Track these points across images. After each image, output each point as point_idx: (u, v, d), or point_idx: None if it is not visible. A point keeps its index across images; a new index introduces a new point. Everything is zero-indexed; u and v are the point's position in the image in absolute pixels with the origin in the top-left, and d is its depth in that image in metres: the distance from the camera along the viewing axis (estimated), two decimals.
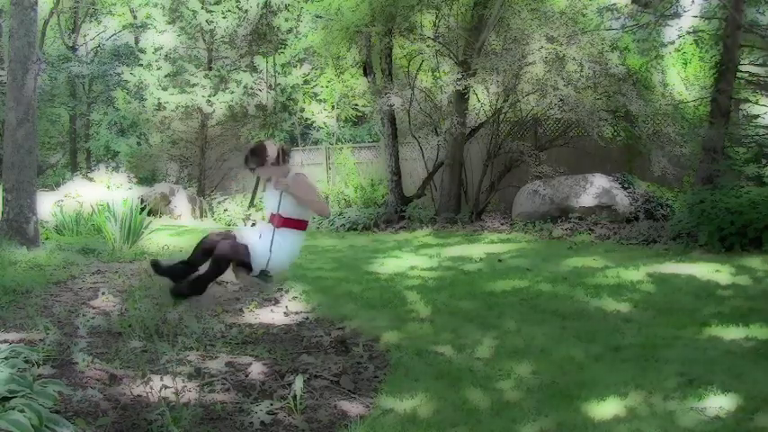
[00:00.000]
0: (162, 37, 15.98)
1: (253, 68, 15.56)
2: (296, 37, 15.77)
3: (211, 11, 15.29)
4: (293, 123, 16.24)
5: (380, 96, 12.52)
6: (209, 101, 15.30)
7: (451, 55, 12.16)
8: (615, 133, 11.80)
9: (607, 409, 3.64)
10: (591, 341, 4.82)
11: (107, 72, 19.74)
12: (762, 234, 8.30)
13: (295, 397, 3.66)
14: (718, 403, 3.61)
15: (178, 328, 5.04)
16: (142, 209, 9.33)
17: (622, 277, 7.04)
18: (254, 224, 4.64)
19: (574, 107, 10.65)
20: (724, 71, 9.83)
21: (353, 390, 3.99)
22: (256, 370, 4.26)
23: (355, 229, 12.67)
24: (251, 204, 15.38)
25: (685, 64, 13.10)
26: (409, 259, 8.79)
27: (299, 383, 3.73)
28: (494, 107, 12.04)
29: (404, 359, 4.52)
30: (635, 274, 7.21)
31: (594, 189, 11.39)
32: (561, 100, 10.69)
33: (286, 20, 15.50)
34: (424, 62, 12.97)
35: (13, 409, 2.87)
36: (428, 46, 12.13)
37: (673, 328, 5.10)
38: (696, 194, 9.23)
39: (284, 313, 5.79)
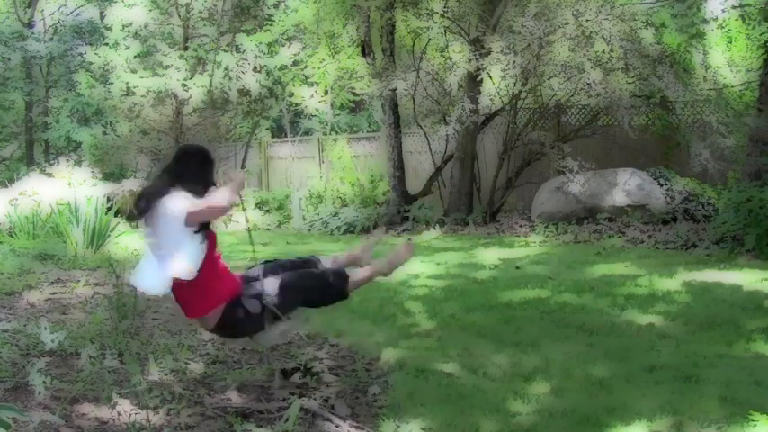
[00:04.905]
0: (131, 12, 15.97)
1: (235, 48, 15.57)
2: (284, 12, 15.79)
3: None
4: (281, 111, 16.26)
5: (381, 79, 12.53)
6: (185, 85, 15.30)
7: (462, 32, 12.17)
8: (649, 122, 11.79)
9: None
10: (622, 360, 4.82)
11: (68, 52, 19.74)
12: None
13: (287, 422, 3.67)
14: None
15: (149, 344, 5.05)
16: (108, 209, 9.35)
17: (658, 287, 7.04)
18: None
19: (602, 92, 10.65)
20: None
21: (350, 415, 4.00)
22: (239, 392, 4.26)
23: (352, 232, 12.68)
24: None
25: (730, 43, 13.09)
26: (413, 265, 8.77)
27: (294, 409, 3.74)
28: (511, 92, 12.05)
29: (407, 380, 4.52)
30: (672, 283, 7.21)
31: (626, 186, 11.39)
32: (588, 84, 10.69)
33: None
34: (431, 41, 12.97)
35: None
36: (436, 22, 12.14)
37: (715, 345, 5.10)
38: (742, 192, 9.22)
39: None
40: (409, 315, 6.19)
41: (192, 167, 3.92)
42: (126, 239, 9.85)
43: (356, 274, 4.23)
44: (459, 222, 12.39)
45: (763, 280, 7.19)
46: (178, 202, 3.72)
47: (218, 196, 3.81)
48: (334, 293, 4.13)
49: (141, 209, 3.82)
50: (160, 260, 3.81)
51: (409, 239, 4.29)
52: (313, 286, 4.10)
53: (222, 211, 3.87)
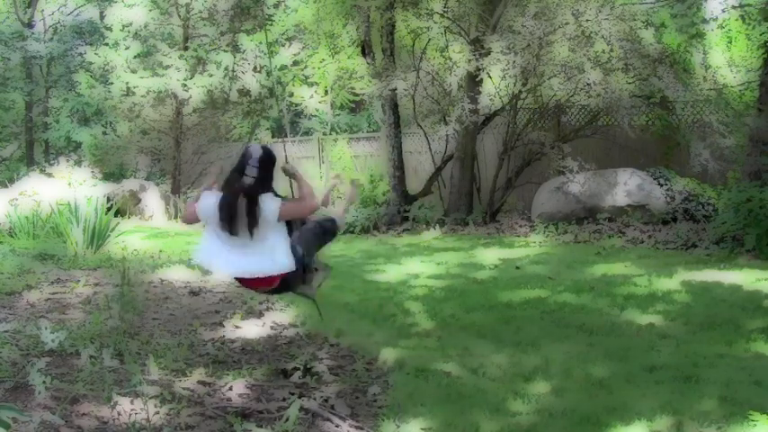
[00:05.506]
0: (131, 12, 15.98)
1: (235, 48, 15.57)
2: (284, 12, 15.78)
3: None
4: (281, 111, 16.26)
5: (381, 79, 12.52)
6: (185, 85, 15.31)
7: (462, 32, 12.17)
8: (649, 122, 11.78)
9: None
10: (622, 360, 4.83)
11: (68, 52, 19.73)
12: None
13: (287, 422, 3.68)
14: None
15: (149, 344, 5.05)
16: (108, 209, 9.35)
17: (657, 287, 7.05)
18: None
19: (602, 92, 10.65)
20: None
21: (350, 415, 4.00)
22: (238, 392, 4.27)
23: (352, 232, 12.67)
24: None
25: (730, 43, 13.09)
26: (413, 265, 8.80)
27: (294, 409, 3.74)
28: (511, 92, 12.05)
29: (407, 380, 4.53)
30: (672, 282, 7.21)
31: (626, 186, 11.39)
32: (588, 84, 10.69)
33: None
34: (431, 41, 12.97)
35: None
36: (436, 22, 12.14)
37: (715, 345, 5.10)
38: (742, 192, 9.22)
39: (270, 327, 5.80)
40: (409, 315, 6.19)
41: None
42: (126, 239, 9.85)
43: (335, 213, 5.15)
44: (459, 222, 12.39)
45: (763, 280, 7.19)
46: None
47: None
48: (331, 234, 4.86)
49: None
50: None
51: (353, 181, 6.40)
52: (317, 234, 4.72)
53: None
